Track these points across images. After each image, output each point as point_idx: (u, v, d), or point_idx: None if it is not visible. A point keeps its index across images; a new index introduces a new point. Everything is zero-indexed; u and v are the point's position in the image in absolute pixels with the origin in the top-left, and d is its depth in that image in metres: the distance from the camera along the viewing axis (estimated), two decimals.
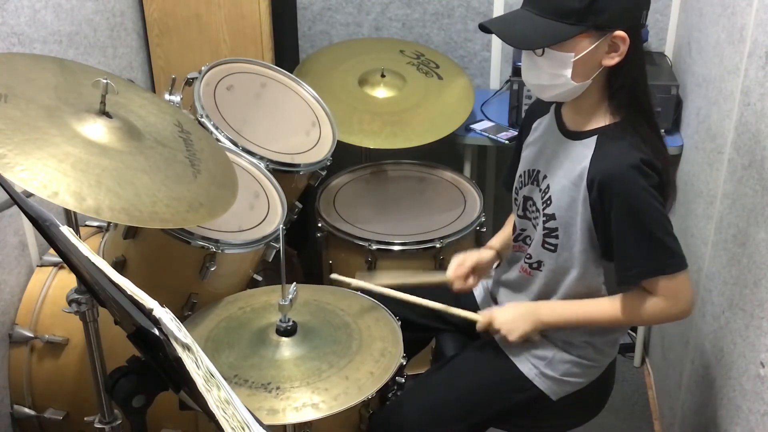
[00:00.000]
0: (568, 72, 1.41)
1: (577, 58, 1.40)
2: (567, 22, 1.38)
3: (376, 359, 1.51)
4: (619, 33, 1.39)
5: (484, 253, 1.77)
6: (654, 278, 1.45)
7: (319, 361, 1.50)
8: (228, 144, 1.99)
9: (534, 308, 1.60)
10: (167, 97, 1.96)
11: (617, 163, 1.42)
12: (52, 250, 2.05)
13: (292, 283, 1.54)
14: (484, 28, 1.44)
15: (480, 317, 1.63)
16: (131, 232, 1.69)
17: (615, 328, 1.63)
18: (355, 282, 1.73)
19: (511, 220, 1.81)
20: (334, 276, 1.74)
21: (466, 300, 1.79)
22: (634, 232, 1.42)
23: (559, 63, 1.41)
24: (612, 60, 1.42)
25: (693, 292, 1.47)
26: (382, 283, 1.72)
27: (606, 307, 1.53)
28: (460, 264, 1.74)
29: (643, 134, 1.45)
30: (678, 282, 1.45)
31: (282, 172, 2.03)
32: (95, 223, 2.06)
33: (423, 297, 1.71)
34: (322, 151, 2.17)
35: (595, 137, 1.48)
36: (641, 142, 1.43)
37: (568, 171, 1.51)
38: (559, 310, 1.58)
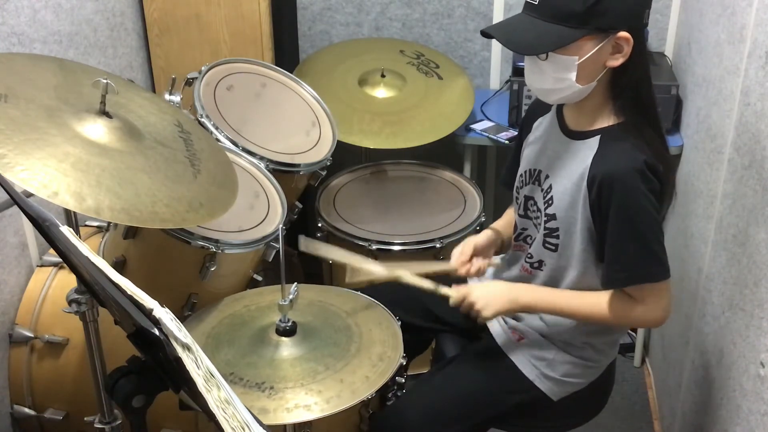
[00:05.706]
0: (573, 75, 1.41)
1: (581, 60, 1.39)
2: (569, 25, 1.37)
3: (374, 363, 1.51)
4: (623, 34, 1.38)
5: (481, 235, 1.74)
6: (640, 284, 1.46)
7: (316, 363, 1.49)
8: (228, 144, 1.99)
9: (512, 287, 1.59)
10: (167, 97, 1.96)
11: (620, 165, 1.41)
12: (52, 250, 2.05)
13: (292, 283, 1.54)
14: (486, 34, 1.43)
15: (454, 292, 1.59)
16: (131, 232, 1.69)
17: (602, 326, 1.61)
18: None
19: (511, 210, 1.80)
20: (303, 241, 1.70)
21: None
22: (628, 235, 1.42)
23: (564, 67, 1.41)
24: (616, 61, 1.41)
25: (671, 302, 1.49)
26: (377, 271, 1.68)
27: (585, 301, 1.53)
28: (461, 252, 1.71)
29: (646, 136, 1.45)
30: (660, 290, 1.46)
31: (282, 172, 2.03)
32: (95, 223, 2.06)
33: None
34: (322, 151, 2.17)
35: (598, 137, 1.48)
36: (645, 144, 1.43)
37: (570, 171, 1.50)
38: (537, 293, 1.57)
